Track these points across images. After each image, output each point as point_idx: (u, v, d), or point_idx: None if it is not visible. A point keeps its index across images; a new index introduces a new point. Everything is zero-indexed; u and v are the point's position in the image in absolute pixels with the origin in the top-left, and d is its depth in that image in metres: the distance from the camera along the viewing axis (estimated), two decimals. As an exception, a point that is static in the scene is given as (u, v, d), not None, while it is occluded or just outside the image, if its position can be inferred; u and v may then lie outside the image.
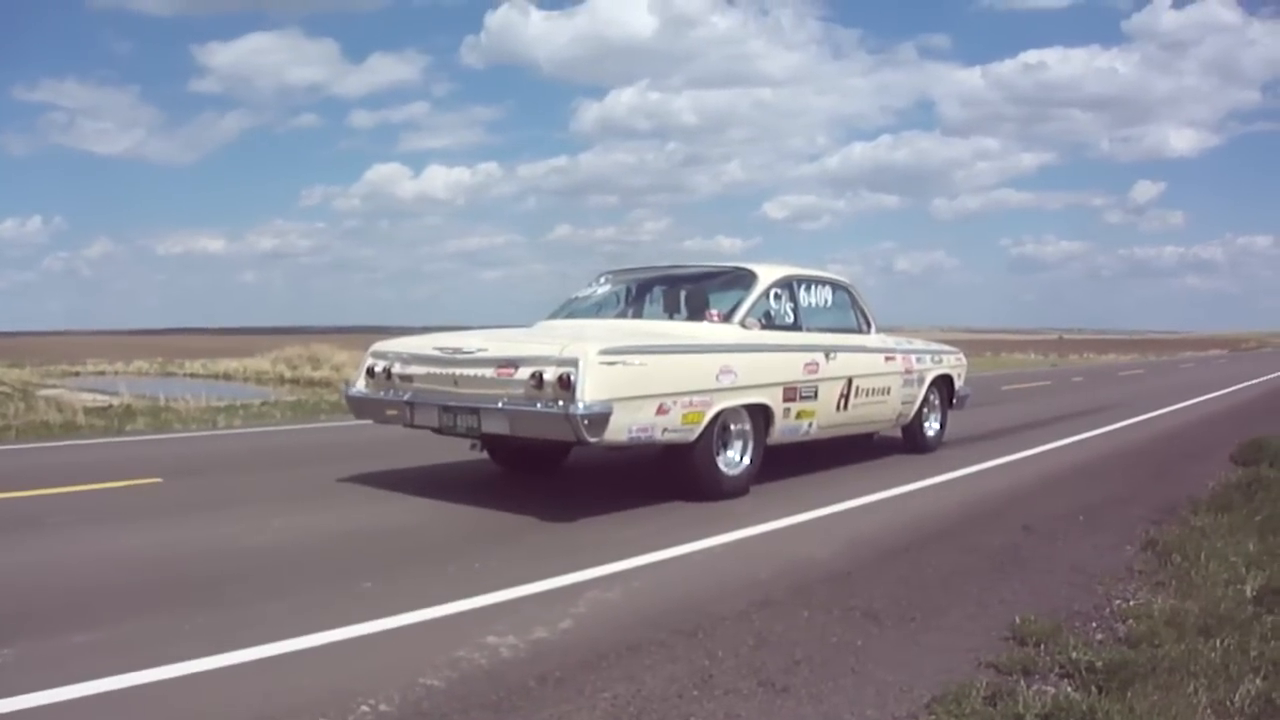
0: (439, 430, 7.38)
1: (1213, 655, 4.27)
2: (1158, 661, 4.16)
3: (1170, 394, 21.26)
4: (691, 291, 8.45)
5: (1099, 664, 4.12)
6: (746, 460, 7.69)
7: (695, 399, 7.01)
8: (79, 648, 4.13)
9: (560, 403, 6.35)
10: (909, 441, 10.34)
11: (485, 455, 8.37)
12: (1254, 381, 28.64)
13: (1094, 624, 4.84)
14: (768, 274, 8.39)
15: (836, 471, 9.14)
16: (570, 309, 8.96)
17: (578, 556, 5.64)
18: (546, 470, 8.55)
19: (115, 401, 16.98)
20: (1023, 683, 3.97)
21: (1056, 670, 4.15)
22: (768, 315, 8.19)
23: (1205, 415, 17.04)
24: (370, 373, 7.89)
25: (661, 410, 6.75)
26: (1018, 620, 4.71)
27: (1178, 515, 7.26)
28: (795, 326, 8.39)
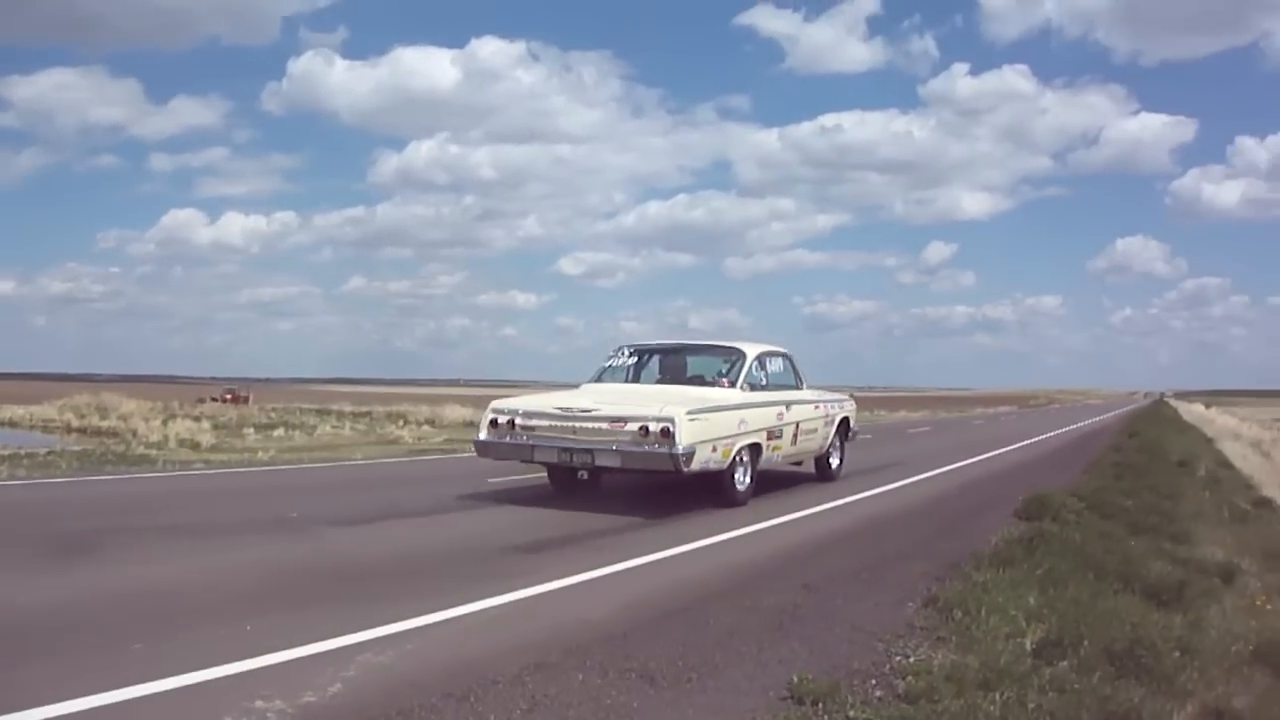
0: (556, 464, 11.03)
1: (991, 709, 4.51)
2: (937, 717, 4.35)
3: (958, 450, 22.25)
4: (698, 363, 12.58)
5: (877, 721, 4.24)
6: (748, 480, 11.44)
7: (728, 441, 10.77)
8: None
9: (663, 446, 9.96)
10: (820, 471, 14.22)
11: (569, 481, 11.50)
12: (1041, 437, 30.49)
13: (873, 681, 5.04)
14: (750, 350, 12.41)
15: (619, 531, 9.32)
16: (605, 374, 12.64)
17: (351, 618, 5.64)
18: (586, 491, 11.63)
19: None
20: (800, 742, 4.06)
21: (835, 729, 4.26)
22: (751, 381, 11.94)
23: (992, 471, 17.99)
24: (493, 424, 11.13)
25: (714, 449, 10.52)
26: (795, 679, 4.85)
27: (960, 571, 7.63)
28: (765, 388, 12.27)
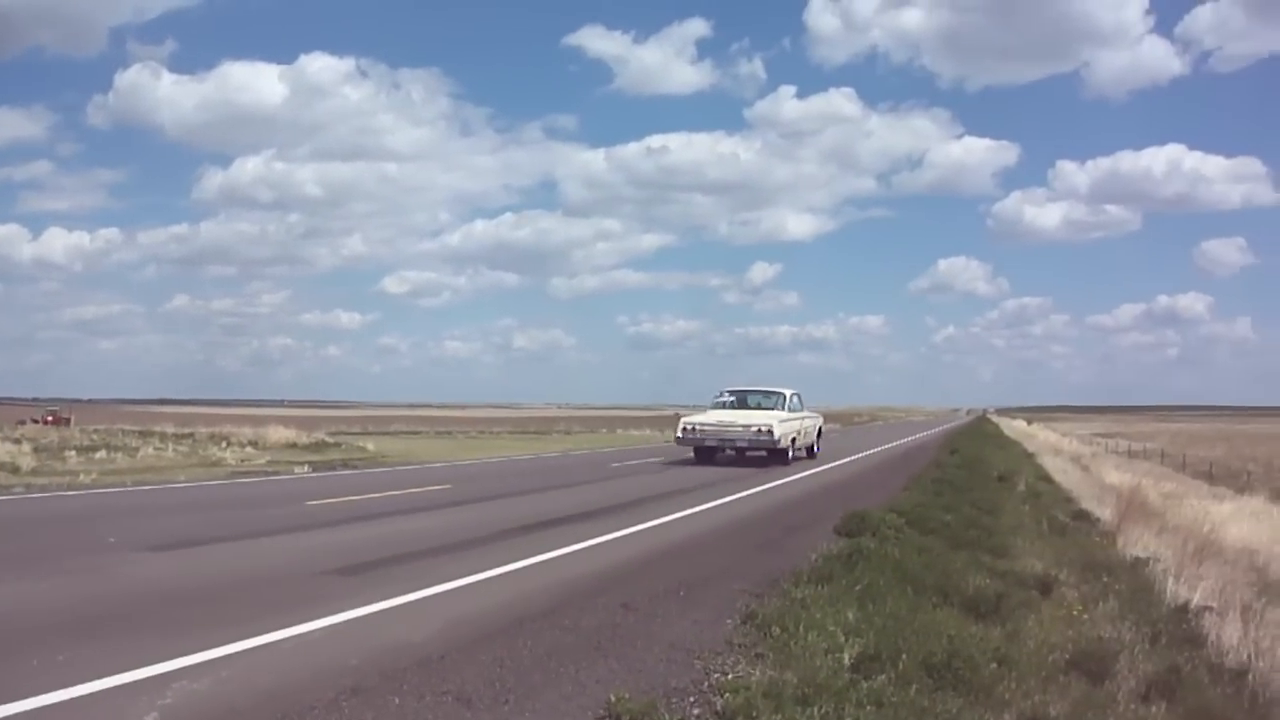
0: (715, 446, 25.38)
1: (808, 724, 4.62)
2: (753, 732, 4.44)
3: (780, 468, 22.86)
4: (763, 398, 27.02)
5: (694, 738, 4.36)
6: (793, 454, 25.41)
7: (788, 435, 25.02)
8: None
9: (768, 437, 24.20)
10: (809, 454, 27.52)
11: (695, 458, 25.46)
12: (864, 454, 31.55)
13: (691, 699, 5.20)
14: (788, 391, 27.42)
15: (434, 553, 9.36)
16: (716, 404, 27.09)
17: (168, 645, 5.64)
18: (711, 461, 25.37)
19: None
20: (616, 762, 4.14)
21: (651, 747, 4.36)
22: (789, 406, 26.83)
23: (813, 488, 18.53)
24: (683, 429, 25.49)
25: (785, 439, 24.79)
26: (612, 699, 4.96)
27: (779, 588, 7.84)
28: (792, 409, 26.84)
